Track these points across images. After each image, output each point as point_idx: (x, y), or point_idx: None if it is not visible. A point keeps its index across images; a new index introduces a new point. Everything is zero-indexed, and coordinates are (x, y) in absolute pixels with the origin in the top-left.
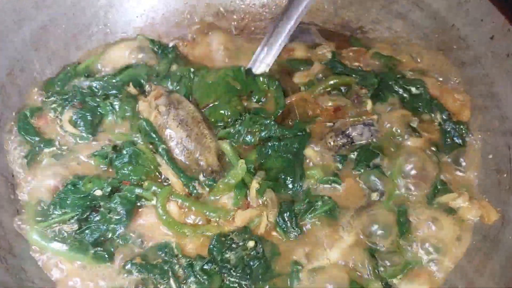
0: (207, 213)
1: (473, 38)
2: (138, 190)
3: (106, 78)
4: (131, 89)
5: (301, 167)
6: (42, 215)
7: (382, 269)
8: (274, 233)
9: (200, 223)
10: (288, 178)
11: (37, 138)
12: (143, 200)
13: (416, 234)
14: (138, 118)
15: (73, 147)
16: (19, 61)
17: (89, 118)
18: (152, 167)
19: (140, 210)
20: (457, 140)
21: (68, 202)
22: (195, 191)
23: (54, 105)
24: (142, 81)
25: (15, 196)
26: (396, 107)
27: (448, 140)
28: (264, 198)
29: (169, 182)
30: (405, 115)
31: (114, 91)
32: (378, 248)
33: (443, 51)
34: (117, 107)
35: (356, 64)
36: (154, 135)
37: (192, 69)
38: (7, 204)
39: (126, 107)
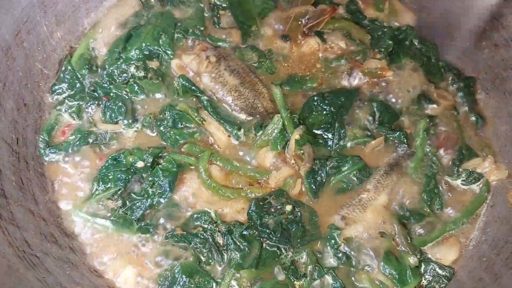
0: (248, 172)
1: (509, 18)
2: (179, 157)
3: (112, 67)
4: (152, 64)
5: (343, 124)
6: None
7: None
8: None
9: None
10: (328, 133)
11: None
12: (186, 166)
13: (444, 199)
14: (172, 80)
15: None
16: (26, 23)
17: (121, 106)
18: (196, 127)
19: (183, 176)
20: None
21: (110, 177)
22: (239, 139)
23: (71, 110)
24: (157, 48)
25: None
26: (411, 70)
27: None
28: (302, 150)
29: (212, 142)
30: (422, 81)
31: (132, 72)
32: (406, 210)
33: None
34: (143, 84)
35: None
36: (195, 88)
37: None
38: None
39: (153, 81)
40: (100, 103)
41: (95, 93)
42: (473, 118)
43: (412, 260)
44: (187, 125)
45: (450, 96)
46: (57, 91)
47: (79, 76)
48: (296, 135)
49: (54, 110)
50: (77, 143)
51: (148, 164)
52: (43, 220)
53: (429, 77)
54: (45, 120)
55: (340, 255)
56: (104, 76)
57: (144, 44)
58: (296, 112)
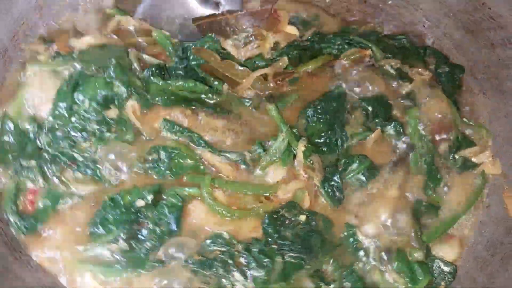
0: (254, 191)
1: (506, 18)
2: (183, 191)
3: (67, 127)
4: (111, 113)
5: (342, 126)
6: (82, 239)
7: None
8: (320, 202)
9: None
10: (331, 140)
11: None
12: (189, 198)
13: (447, 184)
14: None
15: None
16: (22, 25)
17: (95, 168)
18: (193, 161)
19: (187, 208)
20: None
21: (110, 219)
22: (248, 166)
23: (31, 175)
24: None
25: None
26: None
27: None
28: (311, 161)
29: (210, 170)
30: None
31: (92, 129)
32: (416, 204)
33: (472, 31)
34: (111, 139)
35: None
36: (185, 130)
37: None
38: None
39: (121, 133)
40: (66, 166)
41: (58, 159)
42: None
43: (418, 254)
44: (187, 160)
45: (427, 71)
46: (4, 155)
47: (29, 136)
48: (302, 147)
49: (9, 177)
50: (51, 208)
51: (149, 202)
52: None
53: (407, 61)
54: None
55: (359, 253)
56: (60, 139)
57: (96, 91)
58: (294, 126)
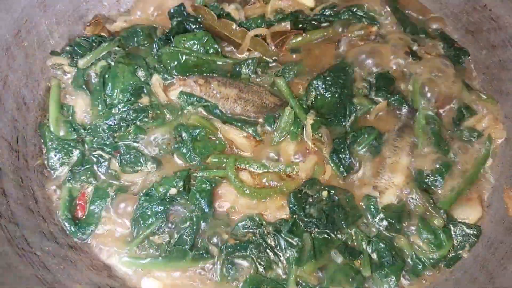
0: (277, 167)
1: (506, 19)
2: (209, 173)
3: (107, 120)
4: (143, 100)
5: (350, 99)
6: (127, 236)
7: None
8: (337, 176)
9: (273, 183)
10: (339, 113)
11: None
12: (218, 181)
13: (455, 151)
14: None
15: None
16: (26, 22)
17: (135, 154)
18: (216, 139)
19: (217, 191)
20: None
21: (148, 213)
22: (259, 136)
23: (83, 178)
24: (139, 83)
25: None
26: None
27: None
28: (319, 133)
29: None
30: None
31: (129, 117)
32: (423, 172)
33: (472, 32)
34: (147, 124)
35: None
36: (199, 98)
37: None
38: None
39: (154, 117)
40: (112, 157)
41: (102, 152)
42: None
43: (437, 221)
44: (209, 136)
45: (434, 52)
46: (55, 165)
47: (69, 142)
48: (310, 120)
49: (64, 186)
50: (101, 207)
51: (181, 189)
52: (42, 218)
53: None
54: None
55: (383, 222)
56: (102, 131)
57: (125, 84)
58: (302, 99)
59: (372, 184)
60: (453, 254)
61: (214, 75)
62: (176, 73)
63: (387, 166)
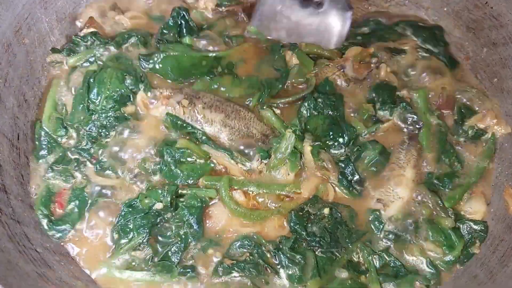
0: (274, 190)
1: (507, 17)
2: (200, 192)
3: (87, 126)
4: (128, 109)
5: (344, 119)
6: (108, 249)
7: (445, 201)
8: (340, 193)
9: (270, 205)
10: (336, 134)
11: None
12: (208, 200)
13: (460, 156)
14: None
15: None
16: (26, 19)
17: (111, 164)
18: (202, 161)
19: (207, 211)
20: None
21: (130, 226)
22: (248, 168)
23: (60, 176)
24: (125, 91)
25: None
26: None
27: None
28: (321, 160)
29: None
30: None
31: (110, 124)
32: (433, 176)
33: (473, 29)
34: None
35: None
36: (188, 125)
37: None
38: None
39: (137, 128)
40: (88, 162)
41: (79, 156)
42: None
43: (448, 222)
44: (196, 159)
45: (409, 39)
46: (41, 158)
47: (58, 140)
48: (308, 147)
49: (43, 180)
50: (79, 208)
51: (168, 205)
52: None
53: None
54: (36, 188)
55: (389, 235)
56: (82, 137)
57: (111, 90)
58: (295, 125)
59: (377, 197)
60: (465, 252)
61: (203, 95)
62: (173, 78)
63: (392, 179)
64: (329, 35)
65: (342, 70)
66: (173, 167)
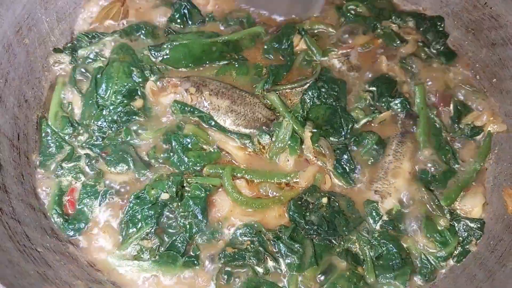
0: (275, 179)
1: (506, 18)
2: (204, 181)
3: (98, 121)
4: (137, 103)
5: (345, 110)
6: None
7: (442, 200)
8: (338, 184)
9: (271, 193)
10: (336, 123)
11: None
12: (213, 189)
13: (456, 153)
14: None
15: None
16: (27, 19)
17: (124, 155)
18: (208, 147)
19: (211, 199)
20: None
21: (138, 216)
22: (255, 149)
23: (72, 174)
24: (133, 85)
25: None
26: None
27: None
28: (319, 146)
29: (230, 159)
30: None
31: (120, 119)
32: (429, 174)
33: (472, 30)
34: (138, 127)
35: None
36: (195, 110)
37: None
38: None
39: (146, 121)
40: (99, 157)
41: (90, 152)
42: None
43: (443, 221)
44: (202, 146)
45: (413, 30)
46: (46, 159)
47: (65, 137)
48: (308, 133)
49: (53, 179)
50: (91, 205)
51: (174, 195)
52: (43, 214)
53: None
54: (45, 177)
55: (385, 226)
56: (92, 132)
57: (119, 85)
58: (297, 111)
59: (374, 189)
60: (461, 250)
61: (210, 82)
62: (185, 66)
63: (389, 171)
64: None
65: (347, 58)
66: (181, 154)
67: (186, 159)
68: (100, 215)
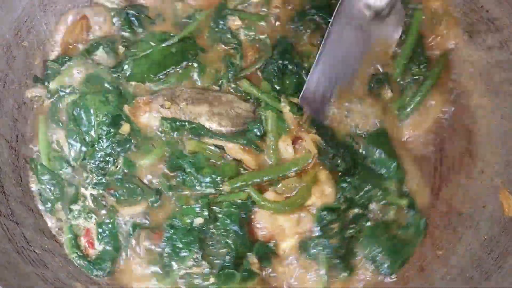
0: (291, 169)
1: (503, 21)
2: (232, 197)
3: (91, 160)
4: (124, 129)
5: (303, 68)
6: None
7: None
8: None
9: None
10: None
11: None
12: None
13: None
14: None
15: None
16: (26, 22)
17: (131, 187)
18: (217, 160)
19: (248, 216)
20: None
21: (179, 245)
22: (259, 148)
23: (82, 215)
24: (114, 111)
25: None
26: None
27: None
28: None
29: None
30: None
31: (113, 151)
32: None
33: (469, 33)
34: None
35: None
36: (185, 122)
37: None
38: None
39: (140, 145)
40: (107, 194)
41: (94, 191)
42: None
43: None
44: (210, 160)
45: None
46: (52, 204)
47: (67, 178)
48: (286, 107)
49: (64, 222)
50: (114, 243)
51: (207, 218)
52: (42, 216)
53: None
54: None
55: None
56: (90, 171)
57: (100, 116)
58: (268, 89)
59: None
60: None
61: (181, 91)
62: (153, 78)
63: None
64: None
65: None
66: (195, 174)
67: (201, 177)
68: (125, 249)
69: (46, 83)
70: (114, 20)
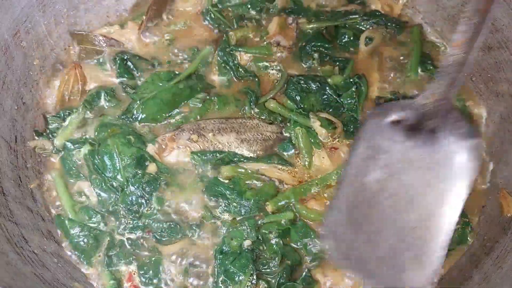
0: (329, 181)
1: (502, 22)
2: (277, 218)
3: (122, 204)
4: (150, 169)
5: (326, 81)
6: None
7: None
8: None
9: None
10: (330, 98)
11: None
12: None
13: None
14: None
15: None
16: (25, 22)
17: (171, 225)
18: (260, 183)
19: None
20: None
21: (232, 270)
22: (306, 162)
23: (122, 261)
24: (137, 152)
25: None
26: None
27: None
28: (332, 127)
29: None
30: None
31: (143, 193)
32: None
33: None
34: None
35: None
36: (216, 152)
37: None
38: None
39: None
40: (147, 236)
41: (131, 236)
42: None
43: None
44: (251, 183)
45: None
46: (89, 256)
47: (95, 226)
48: (317, 123)
49: (104, 271)
50: (160, 284)
51: (255, 240)
52: (41, 217)
53: None
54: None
55: None
56: (123, 216)
57: (126, 158)
58: (294, 109)
59: None
60: None
61: (205, 123)
62: (164, 117)
63: None
64: (448, 170)
65: (279, 45)
66: (239, 200)
67: (245, 202)
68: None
69: (50, 138)
70: (109, 67)
